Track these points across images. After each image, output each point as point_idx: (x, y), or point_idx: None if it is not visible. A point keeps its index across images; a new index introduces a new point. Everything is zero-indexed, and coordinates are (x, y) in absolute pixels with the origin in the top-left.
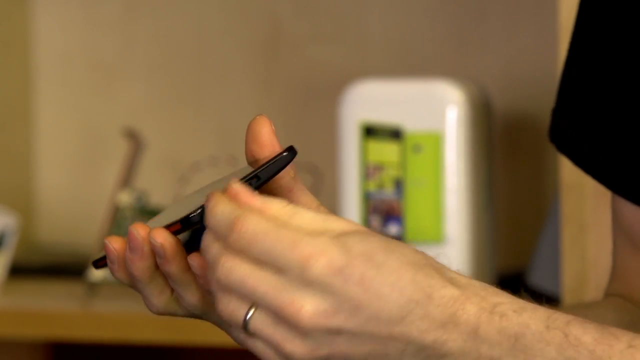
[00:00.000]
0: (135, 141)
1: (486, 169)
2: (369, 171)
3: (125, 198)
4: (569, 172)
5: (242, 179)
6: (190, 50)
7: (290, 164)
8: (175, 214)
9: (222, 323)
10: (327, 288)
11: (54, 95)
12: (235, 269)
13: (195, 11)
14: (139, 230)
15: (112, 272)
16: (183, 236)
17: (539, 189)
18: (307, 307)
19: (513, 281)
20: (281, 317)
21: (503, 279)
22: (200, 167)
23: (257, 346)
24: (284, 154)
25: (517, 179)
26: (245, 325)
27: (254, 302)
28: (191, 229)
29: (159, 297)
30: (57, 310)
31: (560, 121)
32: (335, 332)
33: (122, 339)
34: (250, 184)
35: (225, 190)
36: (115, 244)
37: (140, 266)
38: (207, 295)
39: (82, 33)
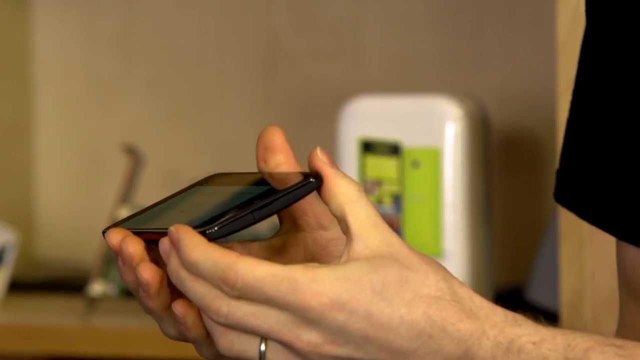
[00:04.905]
0: (134, 157)
1: (484, 184)
2: (367, 186)
3: (125, 213)
4: None
5: (255, 209)
6: (189, 66)
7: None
8: (162, 218)
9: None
10: (332, 323)
11: (54, 111)
12: (233, 312)
13: (193, 28)
14: (148, 270)
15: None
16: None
17: (537, 204)
18: (315, 340)
19: (511, 296)
20: (292, 350)
21: (501, 294)
22: None
23: None
24: (311, 180)
25: (515, 194)
26: (261, 357)
27: (262, 336)
28: None
29: (174, 329)
30: (56, 326)
31: (565, 178)
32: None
33: (121, 354)
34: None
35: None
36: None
37: (151, 304)
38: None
39: (81, 49)
